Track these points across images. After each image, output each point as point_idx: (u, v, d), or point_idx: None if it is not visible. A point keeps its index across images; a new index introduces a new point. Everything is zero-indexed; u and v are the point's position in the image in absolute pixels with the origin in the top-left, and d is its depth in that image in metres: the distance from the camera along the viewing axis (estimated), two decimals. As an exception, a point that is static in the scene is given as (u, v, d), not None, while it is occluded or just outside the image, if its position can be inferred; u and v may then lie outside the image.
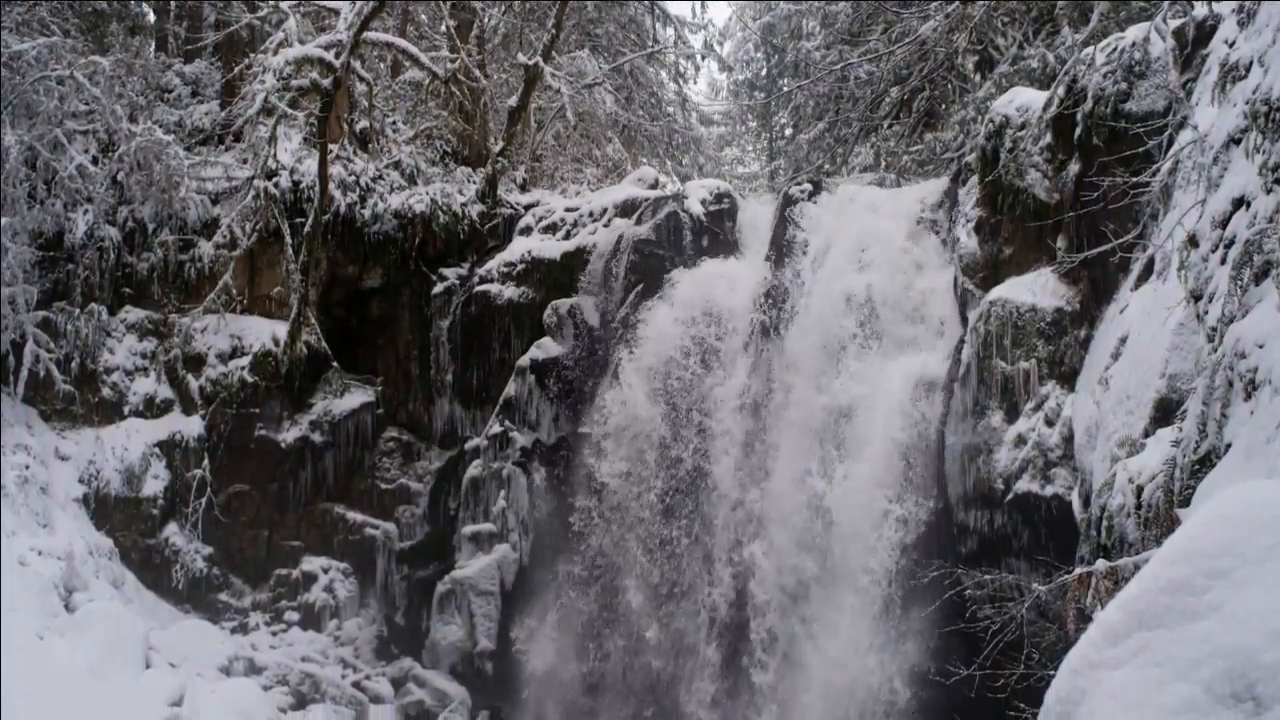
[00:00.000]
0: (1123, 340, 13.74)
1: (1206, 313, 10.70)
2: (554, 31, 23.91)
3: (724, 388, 20.89)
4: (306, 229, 21.47)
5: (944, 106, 27.00)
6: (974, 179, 18.37)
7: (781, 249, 21.08)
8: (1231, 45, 11.32)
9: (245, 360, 22.42)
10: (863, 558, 17.98)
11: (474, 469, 22.11)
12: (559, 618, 21.24)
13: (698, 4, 38.21)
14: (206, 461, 21.88)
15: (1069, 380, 15.88)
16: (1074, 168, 16.03)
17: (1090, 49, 15.67)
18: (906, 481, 17.95)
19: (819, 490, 18.89)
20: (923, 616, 16.87)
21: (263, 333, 22.63)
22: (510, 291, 22.79)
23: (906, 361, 18.67)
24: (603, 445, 21.33)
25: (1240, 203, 10.25)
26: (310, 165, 22.57)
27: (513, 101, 24.02)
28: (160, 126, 22.45)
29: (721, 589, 19.98)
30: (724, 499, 20.33)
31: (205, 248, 22.58)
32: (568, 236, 23.09)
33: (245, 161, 23.27)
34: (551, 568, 21.56)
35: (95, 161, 21.59)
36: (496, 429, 22.03)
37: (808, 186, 21.79)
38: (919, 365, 18.43)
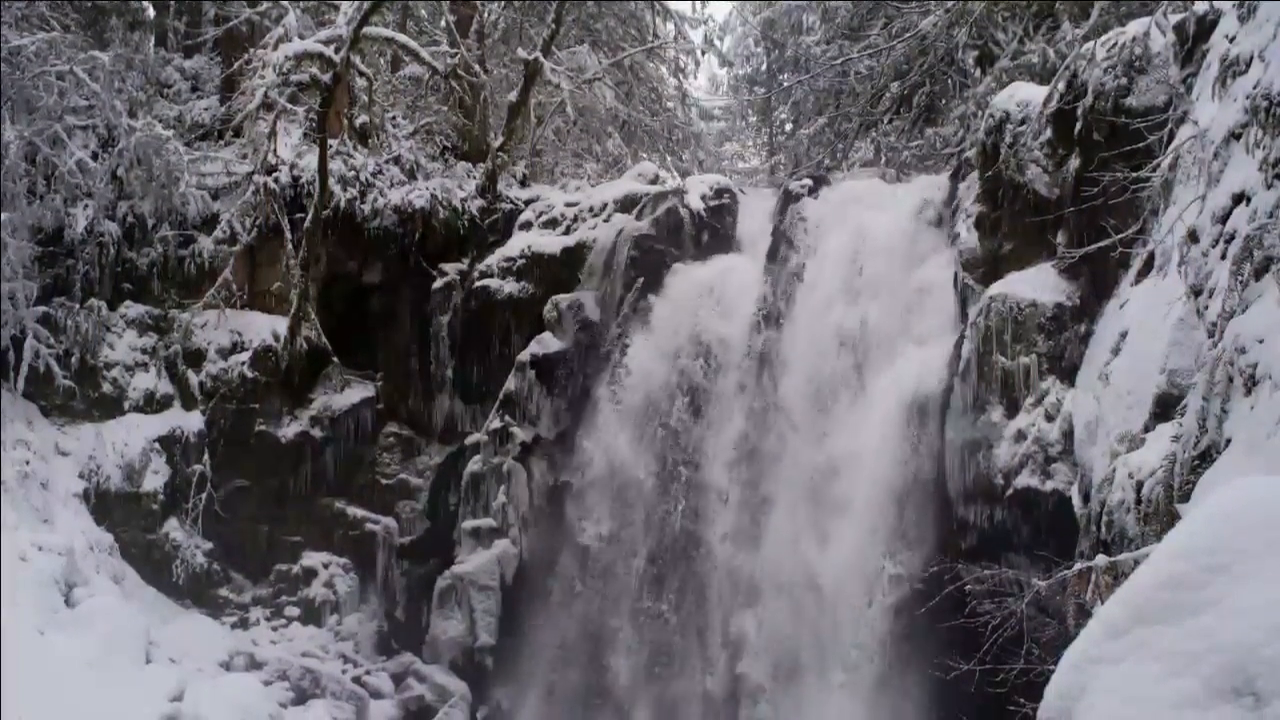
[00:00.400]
0: (1123, 336, 13.73)
1: (1207, 308, 10.70)
2: (554, 26, 23.92)
3: (717, 439, 20.39)
4: (306, 224, 21.50)
5: (944, 102, 26.99)
6: (974, 174, 18.36)
7: (778, 261, 20.91)
8: (1232, 40, 11.31)
9: (245, 356, 22.42)
10: (854, 630, 17.80)
11: (474, 464, 22.11)
12: (539, 696, 21.05)
13: (698, -1, 38.02)
14: (207, 457, 21.87)
15: (1069, 376, 15.87)
16: (1074, 163, 16.02)
17: (1090, 44, 15.67)
18: (900, 536, 17.73)
19: (810, 558, 18.63)
20: (918, 685, 16.74)
21: (263, 328, 22.63)
22: (510, 287, 22.79)
23: (901, 373, 18.40)
24: (586, 499, 21.16)
25: (1240, 198, 10.25)
26: (310, 160, 22.56)
27: (513, 96, 24.03)
28: (160, 122, 22.43)
29: (716, 677, 19.51)
30: (717, 569, 19.94)
31: (205, 243, 22.58)
32: (568, 232, 23.09)
33: (245, 157, 23.26)
34: (535, 630, 21.36)
35: (95, 157, 21.57)
36: (496, 424, 22.03)
37: (808, 182, 21.77)
38: (914, 382, 18.13)
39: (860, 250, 20.00)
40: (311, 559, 22.45)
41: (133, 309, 22.25)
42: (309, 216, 21.54)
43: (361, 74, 22.90)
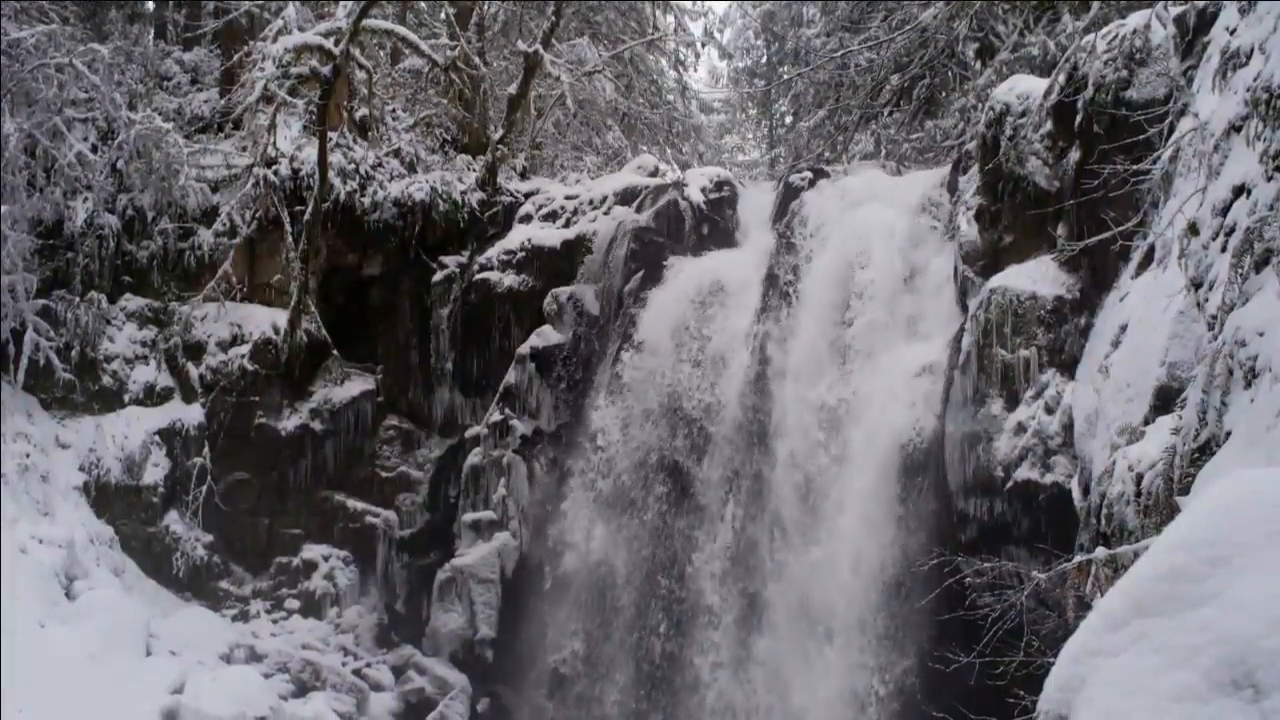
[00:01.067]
0: (1123, 328, 13.72)
1: (1207, 300, 10.69)
2: (553, 19, 23.89)
3: (706, 547, 19.79)
4: (306, 217, 21.46)
5: (944, 94, 26.97)
6: (974, 167, 18.34)
7: (772, 294, 20.81)
8: (1233, 32, 11.29)
9: (245, 348, 22.42)
10: None
11: (474, 457, 22.13)
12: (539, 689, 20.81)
13: (698, -9, 38.01)
14: (207, 449, 21.88)
15: (1069, 368, 15.86)
16: (1074, 155, 16.00)
17: (1091, 36, 15.64)
18: (892, 641, 17.43)
19: (797, 687, 18.27)
20: None
21: (263, 321, 22.63)
22: (510, 279, 22.78)
23: (890, 415, 18.07)
24: (558, 609, 20.88)
25: (1241, 190, 10.24)
26: (310, 153, 22.54)
27: (512, 89, 24.00)
28: (159, 114, 22.42)
29: None
30: (706, 708, 19.35)
31: (205, 236, 22.57)
32: (568, 224, 23.08)
33: (245, 149, 23.24)
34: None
35: (95, 149, 21.55)
36: (496, 417, 22.04)
37: (808, 175, 21.73)
38: (908, 421, 17.84)
39: (861, 246, 19.83)
40: (312, 551, 22.47)
41: (132, 302, 22.25)
42: (309, 209, 21.50)
43: (361, 67, 22.86)
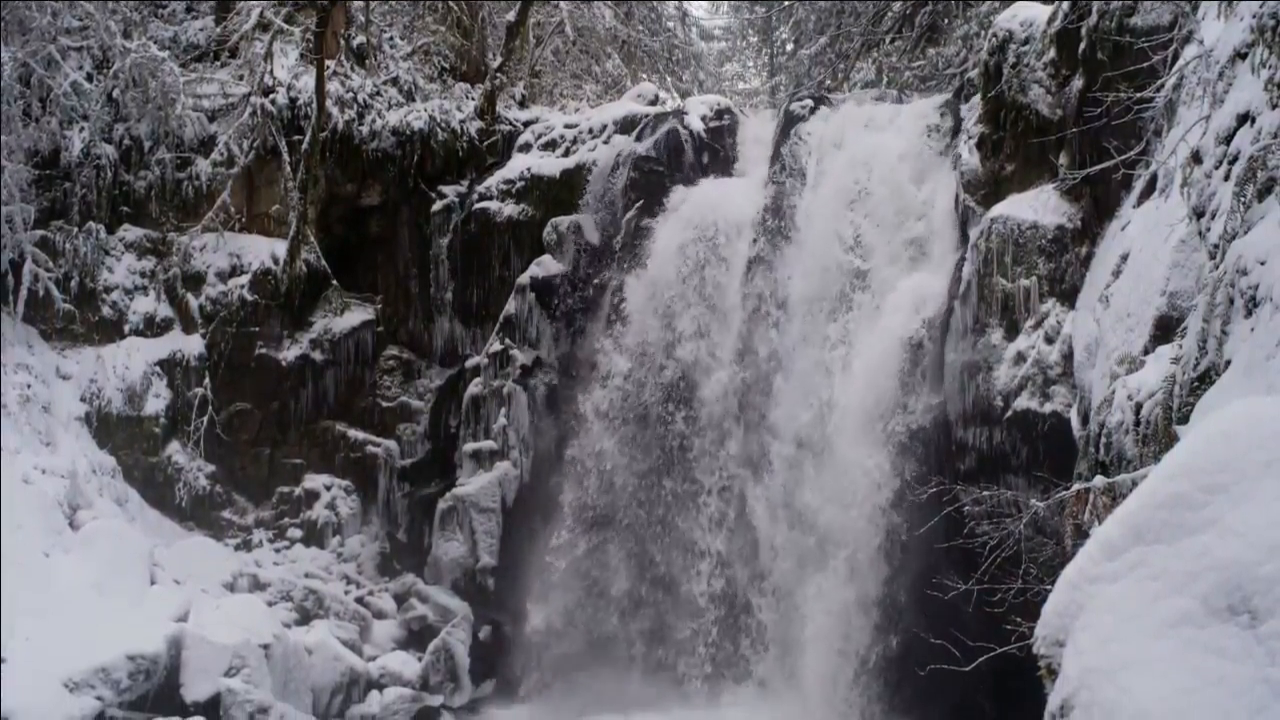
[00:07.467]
0: (1124, 258, 13.68)
1: (1209, 229, 10.65)
2: (552, -55, 23.64)
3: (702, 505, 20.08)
4: (304, 146, 21.39)
5: (947, 21, 26.72)
6: (977, 95, 18.22)
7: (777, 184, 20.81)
8: (1239, -43, 11.16)
9: (245, 279, 22.41)
10: None
11: (474, 387, 22.17)
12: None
13: (698, -84, 37.65)
14: (208, 380, 21.93)
15: (1069, 298, 15.83)
16: (1077, 83, 15.88)
17: (1096, -38, 15.46)
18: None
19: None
20: None
21: (262, 251, 22.59)
22: (510, 209, 22.71)
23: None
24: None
25: (1245, 118, 10.17)
26: (307, 82, 22.41)
27: (511, 16, 23.81)
28: (155, 43, 22.24)
29: None
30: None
31: (203, 165, 22.48)
32: (567, 154, 22.97)
33: (242, 78, 23.11)
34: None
35: (90, 78, 21.41)
36: (497, 347, 22.05)
37: (809, 103, 21.56)
38: (906, 347, 17.85)
39: (861, 174, 19.74)
40: (313, 481, 22.59)
41: (131, 232, 22.20)
42: (307, 138, 21.43)
43: (358, -7, 22.66)
